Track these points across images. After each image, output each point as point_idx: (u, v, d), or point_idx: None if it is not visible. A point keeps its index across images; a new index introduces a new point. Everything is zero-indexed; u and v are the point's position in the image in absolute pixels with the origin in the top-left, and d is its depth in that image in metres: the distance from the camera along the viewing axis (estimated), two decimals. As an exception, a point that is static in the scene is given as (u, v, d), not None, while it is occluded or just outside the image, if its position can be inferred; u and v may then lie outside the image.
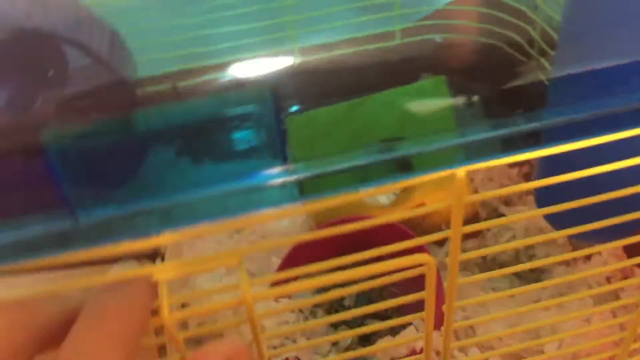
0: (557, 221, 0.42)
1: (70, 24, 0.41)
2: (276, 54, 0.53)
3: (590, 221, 0.29)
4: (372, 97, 0.47)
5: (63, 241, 0.18)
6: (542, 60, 0.47)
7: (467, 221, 0.44)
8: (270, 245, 0.34)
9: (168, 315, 0.20)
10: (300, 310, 0.43)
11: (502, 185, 0.54)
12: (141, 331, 0.19)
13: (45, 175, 0.18)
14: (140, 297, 0.19)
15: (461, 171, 0.20)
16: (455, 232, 0.23)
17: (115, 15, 0.45)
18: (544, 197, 0.43)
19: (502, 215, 0.52)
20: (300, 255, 0.45)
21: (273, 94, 0.19)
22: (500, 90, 0.44)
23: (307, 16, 0.52)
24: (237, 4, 0.50)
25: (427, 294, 0.23)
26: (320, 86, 0.51)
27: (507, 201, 0.53)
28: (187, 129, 0.20)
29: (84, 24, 0.42)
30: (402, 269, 0.23)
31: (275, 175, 0.20)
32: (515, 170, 0.55)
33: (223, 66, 0.49)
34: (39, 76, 0.44)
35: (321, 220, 0.49)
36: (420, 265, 0.23)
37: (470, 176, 0.53)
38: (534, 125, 0.22)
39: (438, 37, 0.53)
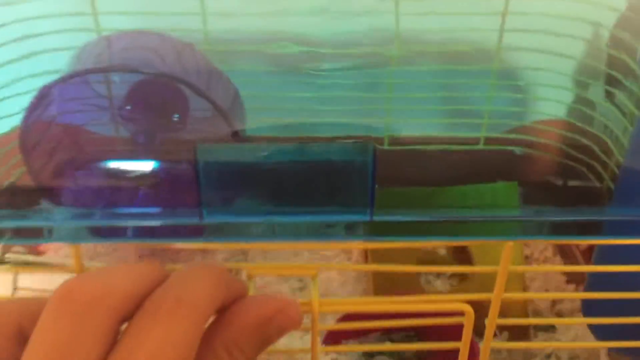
0: (602, 333, 0.45)
1: (201, 76, 0.48)
2: (368, 139, 0.59)
3: (636, 336, 0.32)
4: (448, 189, 0.51)
5: (188, 232, 0.24)
6: (612, 184, 0.50)
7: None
8: (342, 268, 0.38)
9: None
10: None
11: (557, 298, 0.56)
12: (217, 305, 0.23)
13: (191, 182, 0.23)
14: (226, 277, 0.23)
15: (510, 242, 0.25)
16: (496, 295, 0.26)
17: (239, 77, 0.52)
18: (591, 308, 0.46)
19: (552, 326, 0.55)
20: (355, 316, 0.49)
21: (374, 151, 0.24)
22: (567, 206, 0.47)
23: (402, 109, 0.57)
24: (343, 85, 0.56)
25: (463, 343, 0.27)
26: (401, 174, 0.57)
27: (559, 313, 0.55)
28: (289, 168, 0.25)
29: (213, 78, 0.49)
30: (443, 315, 0.27)
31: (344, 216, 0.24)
32: (572, 287, 0.57)
33: (319, 140, 0.56)
34: (164, 117, 0.51)
35: (380, 286, 0.52)
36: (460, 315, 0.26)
37: (528, 283, 0.56)
38: (590, 217, 0.26)
39: (518, 150, 0.57)
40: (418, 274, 0.57)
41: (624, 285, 0.33)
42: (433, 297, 0.26)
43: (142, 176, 0.40)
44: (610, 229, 0.29)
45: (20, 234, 0.24)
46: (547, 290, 0.56)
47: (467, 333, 0.27)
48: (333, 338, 0.48)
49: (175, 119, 0.51)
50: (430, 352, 0.46)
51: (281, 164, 0.25)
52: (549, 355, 0.52)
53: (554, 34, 0.56)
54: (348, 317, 0.50)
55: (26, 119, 0.46)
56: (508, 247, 0.25)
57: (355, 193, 0.24)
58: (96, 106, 0.52)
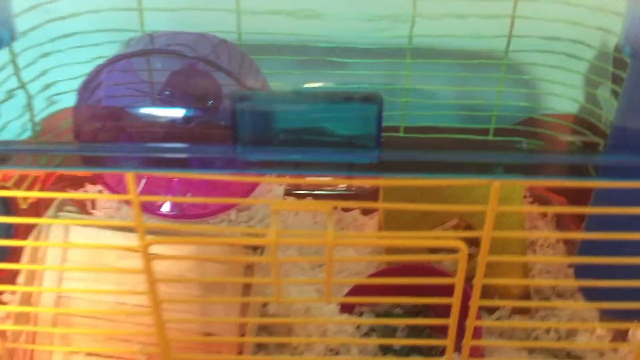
0: (592, 295, 0.49)
1: (233, 64, 0.54)
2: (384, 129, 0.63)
3: (625, 297, 0.36)
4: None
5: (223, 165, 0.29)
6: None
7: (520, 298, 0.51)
8: (353, 205, 0.42)
9: (275, 238, 0.29)
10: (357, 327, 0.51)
11: (557, 278, 0.60)
12: None
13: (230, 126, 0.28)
14: None
15: (497, 182, 0.29)
16: (486, 234, 0.31)
17: (267, 68, 0.57)
18: (582, 270, 0.50)
19: (552, 304, 0.59)
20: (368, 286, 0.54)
21: (381, 101, 0.28)
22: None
23: (418, 101, 0.62)
24: (364, 77, 0.61)
25: (458, 279, 0.31)
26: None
27: (560, 294, 0.59)
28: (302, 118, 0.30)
29: (244, 66, 0.54)
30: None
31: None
32: (572, 270, 0.61)
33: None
34: (199, 102, 0.57)
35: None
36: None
37: (530, 265, 0.60)
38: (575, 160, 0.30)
39: (525, 141, 0.61)
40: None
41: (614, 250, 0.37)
42: (430, 234, 0.30)
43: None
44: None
45: (81, 162, 0.29)
46: (548, 272, 0.60)
47: (462, 268, 0.31)
48: (348, 306, 0.52)
49: (210, 104, 0.57)
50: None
51: (304, 110, 0.29)
52: (548, 330, 0.56)
53: (567, 39, 0.60)
54: (360, 288, 0.54)
55: (78, 99, 0.51)
56: (496, 187, 0.29)
57: (365, 136, 0.29)
58: (138, 91, 0.57)
